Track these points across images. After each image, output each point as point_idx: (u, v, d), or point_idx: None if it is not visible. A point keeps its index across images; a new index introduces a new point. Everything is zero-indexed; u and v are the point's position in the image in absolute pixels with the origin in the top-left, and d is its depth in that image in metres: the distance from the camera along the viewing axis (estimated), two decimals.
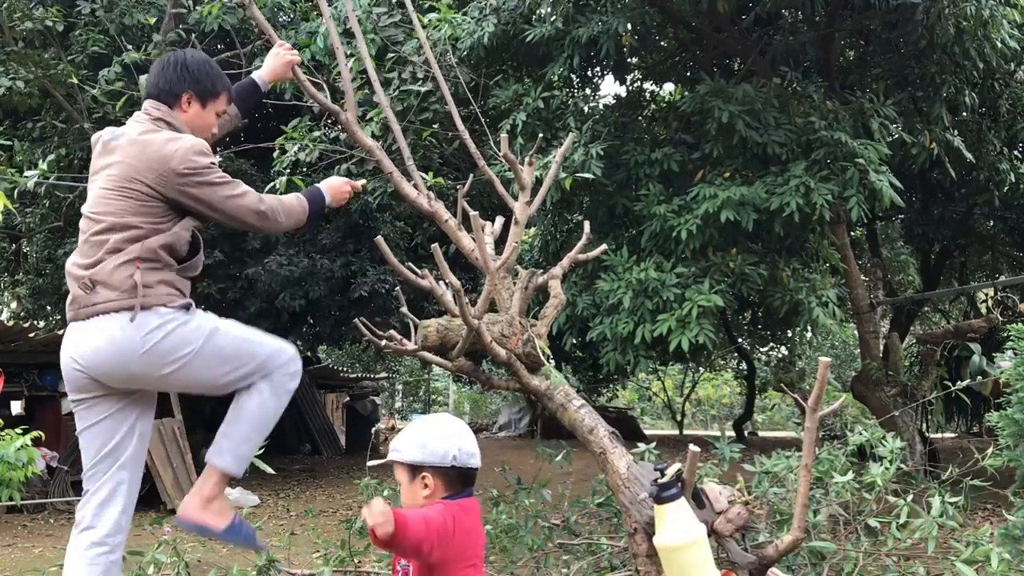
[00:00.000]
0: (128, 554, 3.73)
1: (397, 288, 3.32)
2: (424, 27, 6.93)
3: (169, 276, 2.51)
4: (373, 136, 6.76)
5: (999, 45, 7.18)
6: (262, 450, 3.64)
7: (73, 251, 2.61)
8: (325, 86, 3.63)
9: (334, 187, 2.93)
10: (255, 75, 3.03)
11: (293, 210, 2.72)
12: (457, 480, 2.20)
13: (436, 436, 2.23)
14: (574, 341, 7.56)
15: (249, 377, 2.57)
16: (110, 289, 2.42)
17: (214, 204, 2.54)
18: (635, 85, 9.75)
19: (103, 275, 2.43)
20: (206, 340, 2.50)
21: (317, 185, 2.93)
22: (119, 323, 2.41)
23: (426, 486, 2.19)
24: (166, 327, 2.45)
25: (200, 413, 10.49)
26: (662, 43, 9.17)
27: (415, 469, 2.21)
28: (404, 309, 3.26)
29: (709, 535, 2.69)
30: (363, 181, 3.30)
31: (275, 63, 3.05)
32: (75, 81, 8.56)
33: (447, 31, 7.27)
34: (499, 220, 3.83)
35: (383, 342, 3.17)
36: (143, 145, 2.51)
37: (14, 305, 14.32)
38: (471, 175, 4.02)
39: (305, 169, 8.83)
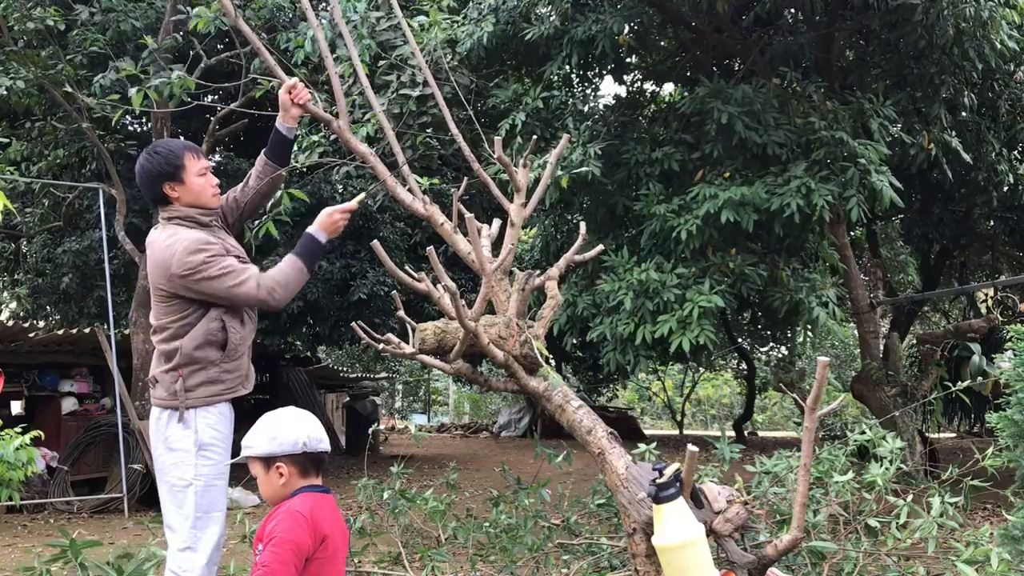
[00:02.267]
0: (120, 556, 3.72)
1: (394, 292, 3.32)
2: (421, 30, 6.91)
3: (211, 374, 2.88)
4: (368, 138, 6.74)
5: (998, 46, 7.17)
6: None
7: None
8: (317, 96, 3.62)
9: (326, 224, 3.05)
10: (277, 124, 3.17)
11: (290, 281, 2.95)
12: (309, 465, 2.36)
13: (284, 427, 2.37)
14: (574, 341, 7.55)
15: (180, 537, 2.83)
16: (163, 389, 2.89)
17: (219, 295, 2.86)
18: (635, 85, 9.75)
19: (159, 378, 2.91)
20: (194, 485, 2.81)
21: (308, 231, 3.05)
22: (160, 416, 2.89)
23: (281, 475, 2.34)
24: (186, 447, 2.82)
25: None
26: (662, 43, 9.17)
27: (268, 461, 2.35)
28: (401, 313, 3.26)
29: (708, 535, 2.69)
30: (362, 195, 3.31)
31: (286, 106, 3.14)
32: (72, 81, 8.56)
33: (438, 34, 7.26)
34: (496, 223, 3.82)
35: (380, 345, 3.17)
36: (151, 254, 2.92)
37: (14, 305, 14.31)
38: (466, 177, 4.02)
39: (306, 170, 8.83)
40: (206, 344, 2.87)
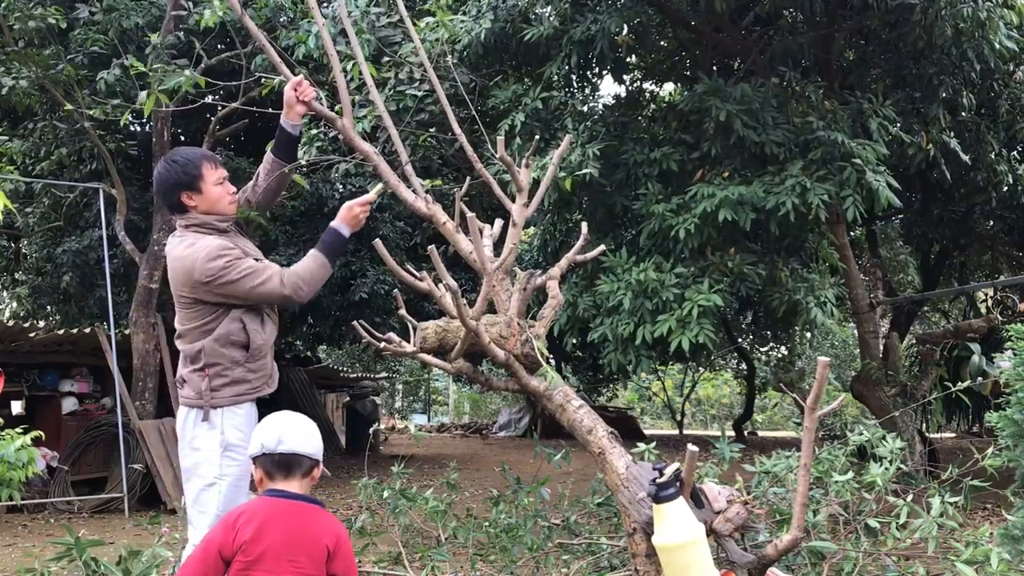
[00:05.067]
0: (128, 553, 3.73)
1: (395, 290, 3.34)
2: (420, 29, 6.91)
3: (237, 373, 2.93)
4: (364, 133, 6.74)
5: (997, 46, 7.18)
6: None
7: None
8: (321, 94, 3.63)
9: (347, 217, 3.11)
10: (282, 121, 3.19)
11: (314, 275, 3.00)
12: (272, 468, 2.33)
13: (255, 432, 2.42)
14: (574, 341, 7.55)
15: (200, 535, 2.87)
16: (190, 388, 2.94)
17: (242, 296, 2.92)
18: (634, 85, 9.75)
19: (187, 377, 2.96)
20: (218, 484, 2.87)
21: (331, 225, 3.11)
22: (187, 416, 2.95)
23: (259, 477, 2.38)
24: (211, 447, 2.88)
25: None
26: (662, 43, 9.17)
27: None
28: (402, 311, 3.26)
29: (708, 535, 2.69)
30: (380, 186, 3.33)
31: (291, 103, 3.15)
32: (73, 81, 8.56)
33: (444, 34, 7.26)
34: (499, 223, 3.83)
35: (382, 344, 3.18)
36: (171, 263, 2.99)
37: (14, 305, 14.30)
38: (468, 177, 4.02)
39: (305, 168, 8.82)
40: (229, 344, 2.92)
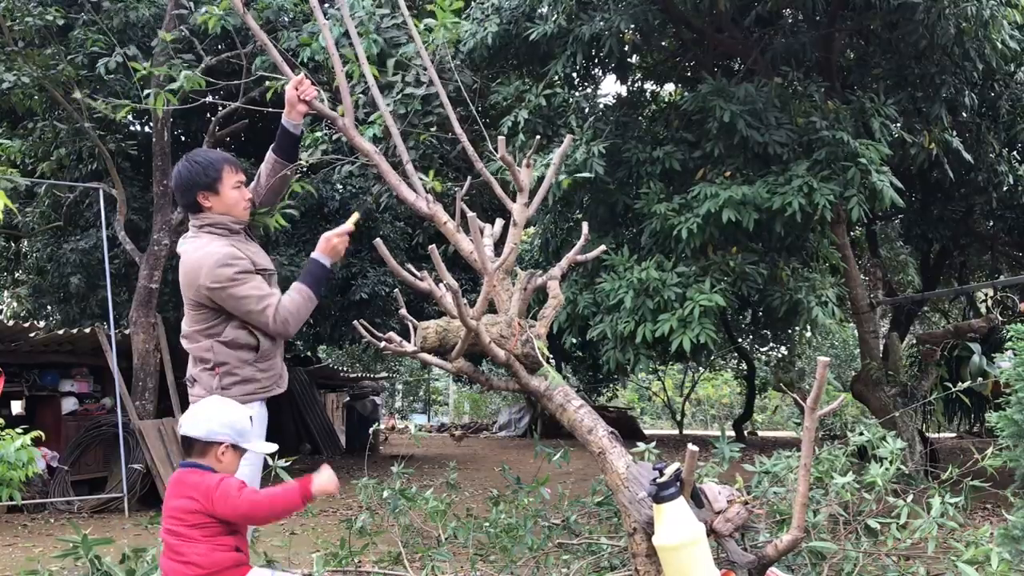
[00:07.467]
0: (133, 551, 3.73)
1: (396, 290, 3.36)
2: (428, 31, 6.90)
3: (247, 372, 2.96)
4: (375, 139, 6.75)
5: (999, 46, 7.17)
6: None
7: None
8: (322, 93, 3.63)
9: (327, 248, 3.14)
10: (283, 120, 3.19)
11: (300, 310, 3.05)
12: (182, 444, 2.66)
13: None
14: (574, 340, 7.55)
15: None
16: (201, 387, 2.98)
17: (238, 313, 2.95)
18: (636, 85, 9.76)
19: (197, 376, 3.00)
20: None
21: (312, 256, 3.15)
22: None
23: None
24: None
25: None
26: (663, 43, 9.18)
27: None
28: (403, 311, 3.27)
29: (708, 534, 2.69)
30: (356, 215, 3.33)
31: (292, 103, 3.15)
32: (73, 80, 8.56)
33: (444, 34, 7.26)
34: (499, 223, 3.83)
35: (382, 344, 3.17)
36: (183, 264, 2.99)
37: (14, 305, 14.30)
38: (469, 176, 4.02)
39: (307, 170, 8.82)
40: (238, 347, 2.96)
